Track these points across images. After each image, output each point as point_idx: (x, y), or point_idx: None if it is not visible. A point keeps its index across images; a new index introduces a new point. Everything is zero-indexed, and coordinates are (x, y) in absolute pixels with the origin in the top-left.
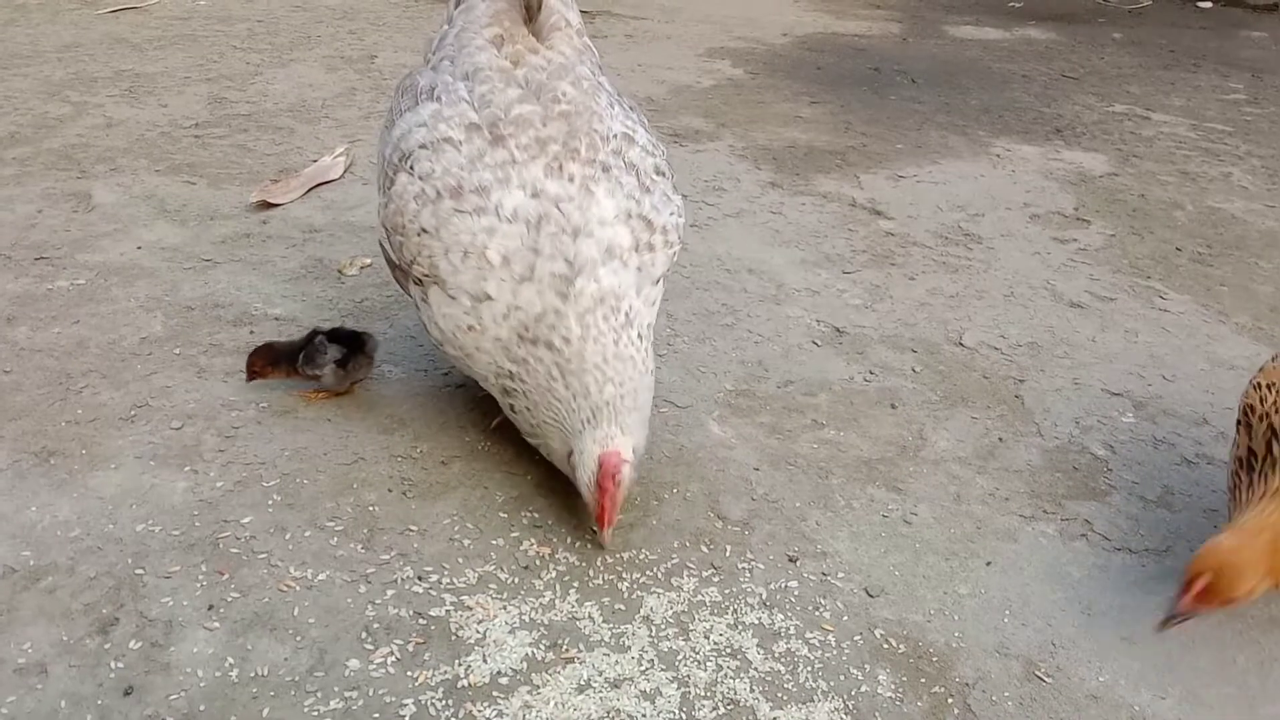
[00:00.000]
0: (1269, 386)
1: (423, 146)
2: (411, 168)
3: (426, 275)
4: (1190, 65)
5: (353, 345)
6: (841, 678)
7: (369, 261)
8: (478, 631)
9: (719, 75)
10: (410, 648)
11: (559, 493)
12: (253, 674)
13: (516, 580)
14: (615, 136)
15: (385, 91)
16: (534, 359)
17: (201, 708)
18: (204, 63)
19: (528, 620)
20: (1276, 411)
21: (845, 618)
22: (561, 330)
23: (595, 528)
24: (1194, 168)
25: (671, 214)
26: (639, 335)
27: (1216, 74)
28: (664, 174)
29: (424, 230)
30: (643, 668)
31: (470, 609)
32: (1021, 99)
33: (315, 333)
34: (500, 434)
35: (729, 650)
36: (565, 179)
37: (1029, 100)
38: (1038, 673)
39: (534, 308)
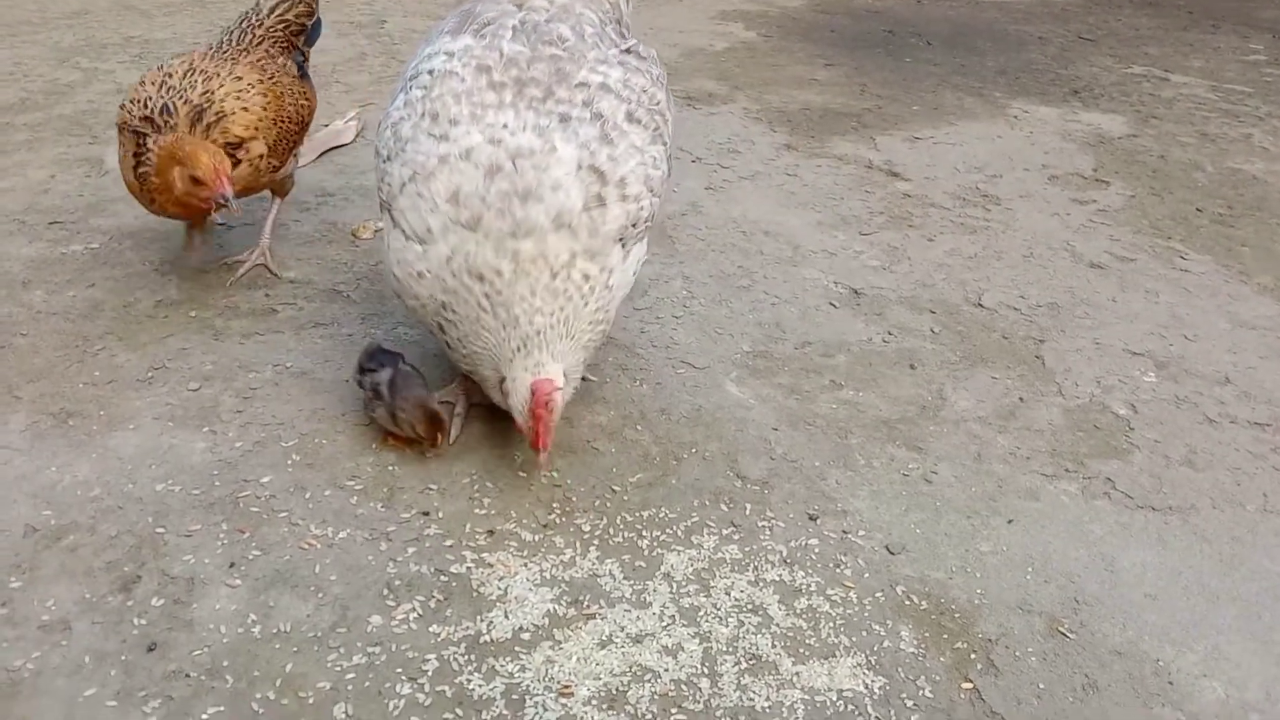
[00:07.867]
0: None
1: (430, 72)
2: (410, 88)
3: (387, 198)
4: (1209, 26)
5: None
6: (864, 633)
7: (383, 226)
8: (499, 588)
9: (732, 38)
10: (432, 604)
11: (578, 451)
12: (275, 630)
13: (537, 538)
14: (590, 85)
15: (395, 56)
16: (464, 289)
17: (225, 663)
18: (212, 28)
19: (549, 577)
20: None
21: (866, 575)
22: (495, 265)
23: (531, 450)
24: (1214, 129)
25: (638, 164)
26: (584, 276)
27: (1236, 35)
28: (639, 121)
29: (399, 137)
30: (664, 623)
31: (491, 566)
32: (1038, 60)
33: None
34: None
35: (750, 606)
36: (531, 129)
37: (1046, 62)
38: (1061, 629)
39: (474, 258)
